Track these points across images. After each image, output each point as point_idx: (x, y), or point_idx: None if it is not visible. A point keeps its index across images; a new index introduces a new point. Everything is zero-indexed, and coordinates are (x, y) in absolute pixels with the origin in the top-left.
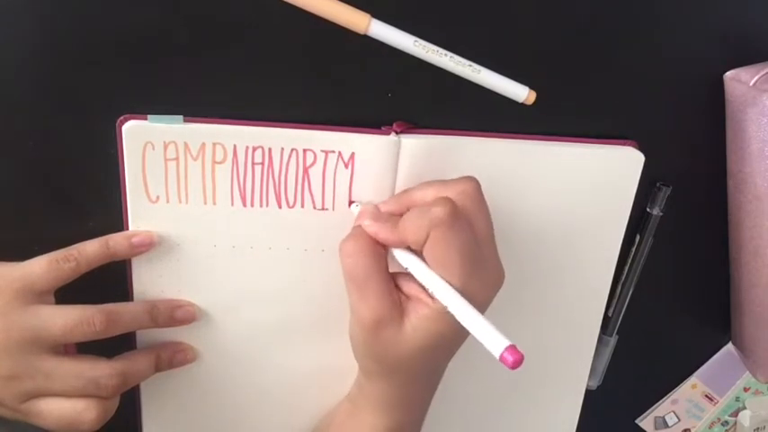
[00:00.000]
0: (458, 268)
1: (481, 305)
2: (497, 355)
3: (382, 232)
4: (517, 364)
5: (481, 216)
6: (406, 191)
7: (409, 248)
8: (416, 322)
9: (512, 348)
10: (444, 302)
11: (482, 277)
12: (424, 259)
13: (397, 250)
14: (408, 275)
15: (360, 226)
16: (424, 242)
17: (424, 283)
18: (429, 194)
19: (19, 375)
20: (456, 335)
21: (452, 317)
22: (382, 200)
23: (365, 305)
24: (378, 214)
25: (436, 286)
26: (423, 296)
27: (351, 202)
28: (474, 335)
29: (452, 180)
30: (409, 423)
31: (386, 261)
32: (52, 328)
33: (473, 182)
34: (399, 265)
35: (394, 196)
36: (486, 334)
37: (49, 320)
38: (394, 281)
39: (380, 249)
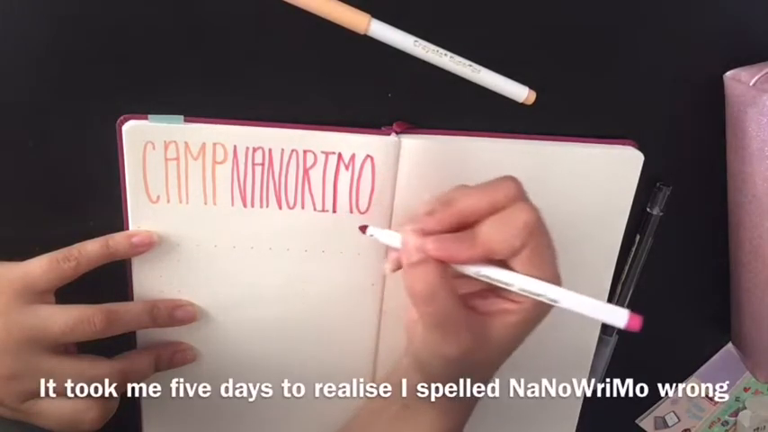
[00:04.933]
0: (553, 269)
1: None
2: (623, 326)
3: (463, 252)
4: (640, 325)
5: None
6: (443, 203)
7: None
8: (503, 333)
9: (632, 316)
10: (549, 300)
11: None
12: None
13: (477, 267)
14: (478, 294)
15: (420, 263)
16: (518, 252)
17: (519, 288)
18: (479, 201)
19: (19, 375)
20: (533, 329)
21: (536, 314)
22: (382, 207)
23: (449, 345)
24: (445, 237)
25: (534, 286)
26: (505, 305)
27: (364, 228)
28: (593, 317)
29: (494, 183)
30: (465, 420)
31: (456, 289)
32: (52, 327)
33: (516, 181)
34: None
35: (430, 214)
36: (604, 312)
37: (50, 320)
38: (466, 304)
39: (452, 282)
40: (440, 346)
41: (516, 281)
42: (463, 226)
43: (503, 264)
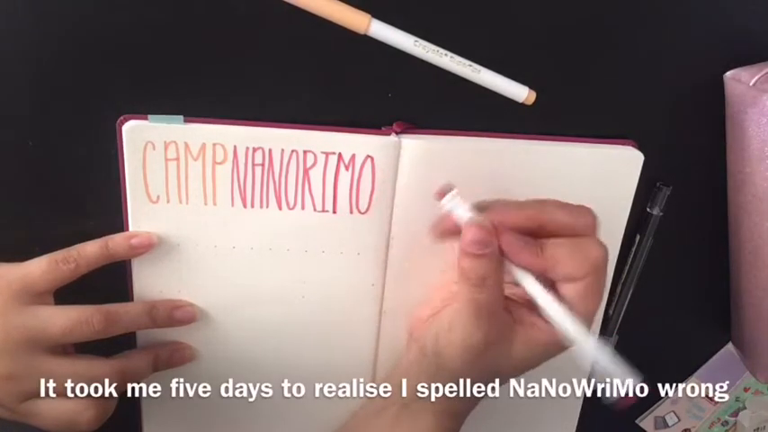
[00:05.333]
0: (595, 306)
1: None
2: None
3: (526, 256)
4: (629, 404)
5: None
6: (531, 206)
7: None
8: (525, 345)
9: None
10: (574, 338)
11: None
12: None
13: (527, 277)
14: (514, 300)
15: (485, 255)
16: (575, 281)
17: (558, 318)
18: (563, 219)
19: (17, 375)
20: (553, 356)
21: (561, 343)
22: (383, 207)
23: (478, 332)
24: (517, 235)
25: (574, 329)
26: (536, 320)
27: (441, 195)
28: (607, 373)
29: (577, 208)
30: (463, 421)
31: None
32: (51, 328)
33: (595, 214)
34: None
35: (517, 205)
36: (617, 372)
37: (48, 321)
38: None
39: (502, 274)
40: (467, 334)
41: (548, 303)
42: (530, 234)
43: (549, 283)
